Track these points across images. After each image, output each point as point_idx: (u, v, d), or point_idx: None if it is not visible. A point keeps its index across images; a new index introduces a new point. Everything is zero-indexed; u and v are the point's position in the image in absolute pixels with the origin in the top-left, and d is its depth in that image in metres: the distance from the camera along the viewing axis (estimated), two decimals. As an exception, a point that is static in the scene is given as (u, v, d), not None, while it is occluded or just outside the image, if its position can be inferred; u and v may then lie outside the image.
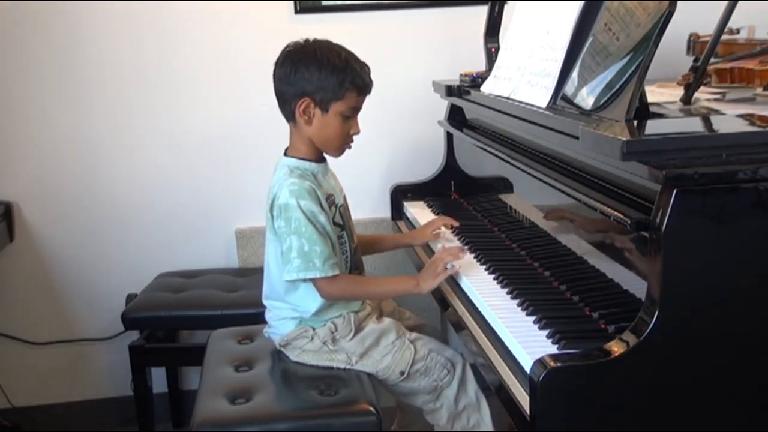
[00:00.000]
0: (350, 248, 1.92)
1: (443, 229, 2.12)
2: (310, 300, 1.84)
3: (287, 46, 1.86)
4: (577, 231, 1.71)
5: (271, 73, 1.86)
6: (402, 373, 1.85)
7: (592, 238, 1.65)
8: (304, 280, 1.80)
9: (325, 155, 1.92)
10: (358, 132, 1.87)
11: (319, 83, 1.79)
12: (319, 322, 1.86)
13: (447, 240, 2.08)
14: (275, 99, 1.87)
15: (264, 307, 1.95)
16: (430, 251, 2.14)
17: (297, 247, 1.77)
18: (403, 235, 2.27)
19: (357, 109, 1.85)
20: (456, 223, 2.12)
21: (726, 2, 1.64)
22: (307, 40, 1.85)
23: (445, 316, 1.97)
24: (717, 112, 1.61)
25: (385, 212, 2.64)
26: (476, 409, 1.87)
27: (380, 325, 1.88)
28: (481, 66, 2.38)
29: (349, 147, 1.90)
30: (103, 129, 2.71)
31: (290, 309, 1.88)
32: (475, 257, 1.91)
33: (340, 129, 1.84)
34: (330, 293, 1.81)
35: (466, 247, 1.96)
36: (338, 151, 1.89)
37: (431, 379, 1.86)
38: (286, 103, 1.84)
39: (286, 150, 1.91)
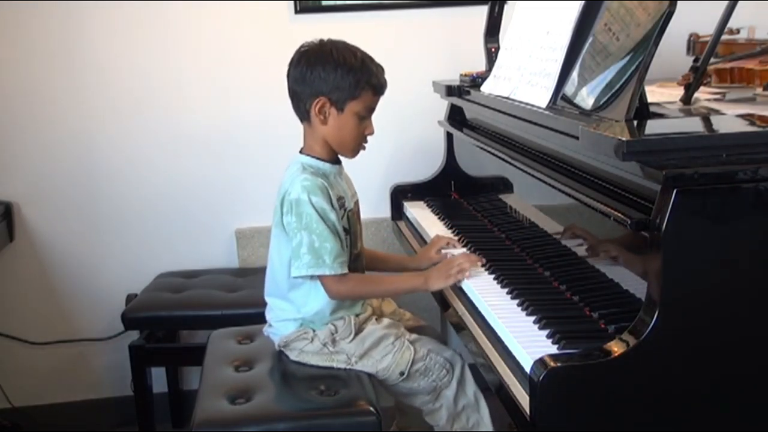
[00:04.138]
0: (351, 254, 1.90)
1: (449, 246, 2.02)
2: (313, 298, 1.84)
3: (302, 46, 1.85)
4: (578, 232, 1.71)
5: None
6: (401, 374, 1.84)
7: (592, 238, 1.65)
8: (312, 278, 1.80)
9: (340, 157, 1.91)
10: (372, 132, 1.87)
11: (335, 83, 1.79)
12: (320, 324, 1.86)
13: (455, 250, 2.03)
14: (283, 99, 1.86)
15: (265, 305, 1.95)
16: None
17: (307, 243, 1.76)
18: (410, 259, 2.16)
19: (372, 109, 1.85)
20: (454, 240, 2.05)
21: (726, 2, 1.64)
22: (322, 40, 1.84)
23: (445, 316, 1.97)
24: (717, 112, 1.61)
25: (385, 212, 2.63)
26: (475, 409, 1.87)
27: (380, 326, 1.88)
28: (481, 66, 2.38)
29: (363, 148, 1.89)
30: (103, 129, 2.71)
31: (293, 310, 1.87)
32: (475, 257, 1.91)
33: (356, 129, 1.84)
34: (338, 291, 1.81)
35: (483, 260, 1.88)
36: (353, 152, 1.89)
37: (430, 379, 1.86)
38: (301, 103, 1.83)
39: (301, 149, 1.90)
